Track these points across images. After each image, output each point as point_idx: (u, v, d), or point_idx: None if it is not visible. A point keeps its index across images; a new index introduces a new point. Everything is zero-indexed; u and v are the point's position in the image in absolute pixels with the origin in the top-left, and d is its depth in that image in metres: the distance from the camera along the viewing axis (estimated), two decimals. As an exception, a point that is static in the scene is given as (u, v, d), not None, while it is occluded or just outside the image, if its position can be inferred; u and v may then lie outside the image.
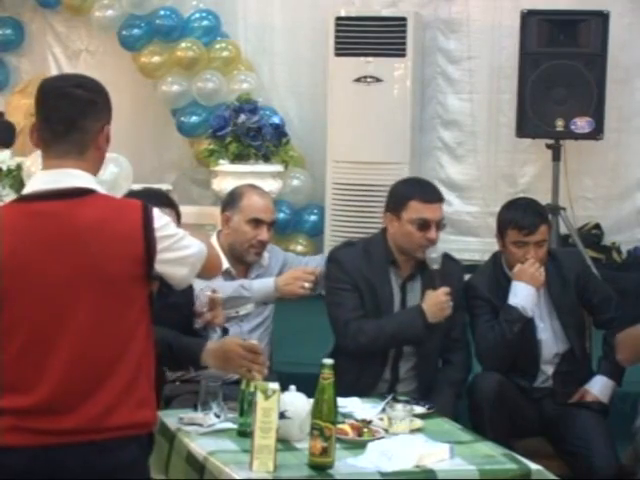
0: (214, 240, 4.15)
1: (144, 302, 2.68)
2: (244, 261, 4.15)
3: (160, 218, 2.68)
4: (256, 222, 4.10)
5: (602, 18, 6.38)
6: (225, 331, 3.75)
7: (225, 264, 4.09)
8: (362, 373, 4.02)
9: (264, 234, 4.11)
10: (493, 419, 3.91)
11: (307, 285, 3.82)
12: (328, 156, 7.02)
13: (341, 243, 4.38)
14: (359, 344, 4.00)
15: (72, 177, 2.64)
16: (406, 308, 4.06)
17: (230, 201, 4.21)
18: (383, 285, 4.06)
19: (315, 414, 2.99)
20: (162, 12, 7.18)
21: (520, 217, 4.07)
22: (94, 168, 2.71)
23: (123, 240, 2.61)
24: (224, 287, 3.77)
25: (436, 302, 3.95)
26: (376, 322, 4.01)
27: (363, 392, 3.80)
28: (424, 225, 4.00)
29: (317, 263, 4.29)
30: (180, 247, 2.69)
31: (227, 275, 4.12)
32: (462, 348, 4.15)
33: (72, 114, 2.64)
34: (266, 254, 4.20)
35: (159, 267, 2.65)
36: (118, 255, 2.60)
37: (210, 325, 3.66)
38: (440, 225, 4.04)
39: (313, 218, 7.14)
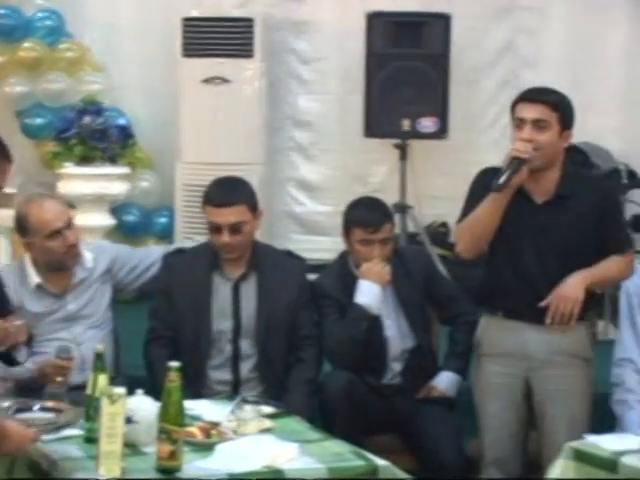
0: (27, 259, 4.11)
1: None
2: (66, 268, 4.10)
3: None
4: (56, 233, 4.04)
5: (444, 20, 6.52)
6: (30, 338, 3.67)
7: (35, 279, 4.07)
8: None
9: (69, 237, 4.05)
10: (343, 417, 3.94)
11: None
12: (179, 157, 6.97)
13: (175, 249, 4.38)
14: (145, 361, 4.13)
15: None
16: None
17: (20, 226, 4.12)
18: (202, 289, 4.08)
19: (162, 417, 2.97)
20: (2, 11, 6.99)
21: (365, 215, 4.13)
22: None
23: None
24: None
25: None
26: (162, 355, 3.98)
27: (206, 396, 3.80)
28: (216, 230, 4.04)
29: (153, 259, 4.28)
30: None
31: (40, 289, 4.09)
32: (312, 345, 4.16)
33: None
34: (89, 255, 4.17)
35: None
36: None
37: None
38: (234, 229, 4.02)
39: (163, 220, 7.07)
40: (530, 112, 3.74)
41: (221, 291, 4.11)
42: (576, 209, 3.77)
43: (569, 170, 3.85)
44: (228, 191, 4.11)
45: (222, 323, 4.10)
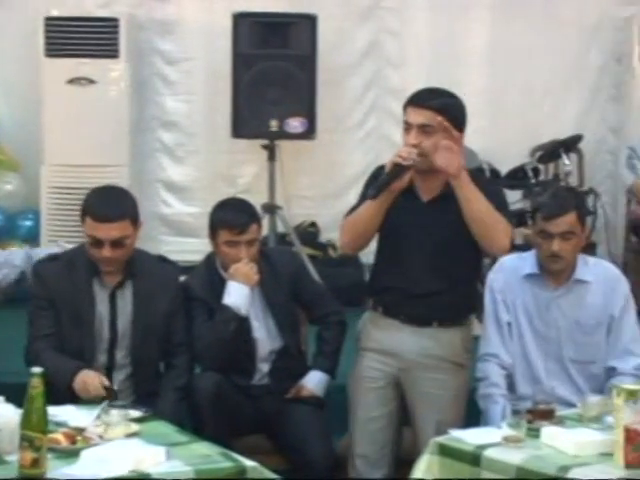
0: None
1: None
2: None
3: None
4: None
5: (311, 21, 6.56)
6: None
7: None
8: None
9: None
10: (212, 419, 3.93)
11: None
12: (43, 159, 6.86)
13: (46, 256, 4.26)
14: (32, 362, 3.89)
15: None
16: None
17: None
18: (84, 298, 3.99)
19: (24, 425, 2.91)
20: None
21: (231, 217, 4.10)
22: None
23: None
24: None
25: None
26: (54, 357, 3.88)
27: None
28: (97, 243, 3.92)
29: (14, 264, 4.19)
30: None
31: None
32: (185, 352, 4.12)
33: None
34: None
35: None
36: None
37: None
38: (116, 243, 3.91)
39: (28, 223, 6.94)
40: (416, 117, 3.70)
41: (100, 299, 4.02)
42: (459, 207, 3.75)
43: None
44: (112, 205, 3.95)
45: (101, 332, 4.02)
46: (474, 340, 4.11)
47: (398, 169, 3.66)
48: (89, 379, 3.77)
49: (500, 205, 3.83)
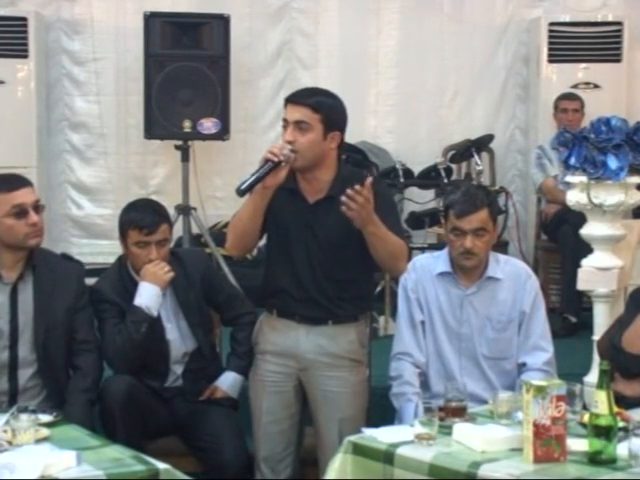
0: None
1: None
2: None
3: None
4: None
5: (223, 21, 6.54)
6: None
7: None
8: None
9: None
10: (124, 422, 3.88)
11: None
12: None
13: None
14: None
15: None
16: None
17: None
18: None
19: None
20: None
21: (140, 217, 4.08)
22: None
23: None
24: None
25: None
26: None
27: None
28: (22, 213, 3.84)
29: None
30: None
31: None
32: (91, 350, 4.05)
33: None
34: None
35: None
36: None
37: None
38: (36, 207, 3.86)
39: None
40: (292, 114, 3.73)
41: None
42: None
43: (342, 171, 3.87)
44: (16, 175, 3.97)
45: (1, 328, 3.92)
46: (391, 338, 4.13)
47: (269, 165, 3.66)
48: None
49: (396, 225, 3.85)
